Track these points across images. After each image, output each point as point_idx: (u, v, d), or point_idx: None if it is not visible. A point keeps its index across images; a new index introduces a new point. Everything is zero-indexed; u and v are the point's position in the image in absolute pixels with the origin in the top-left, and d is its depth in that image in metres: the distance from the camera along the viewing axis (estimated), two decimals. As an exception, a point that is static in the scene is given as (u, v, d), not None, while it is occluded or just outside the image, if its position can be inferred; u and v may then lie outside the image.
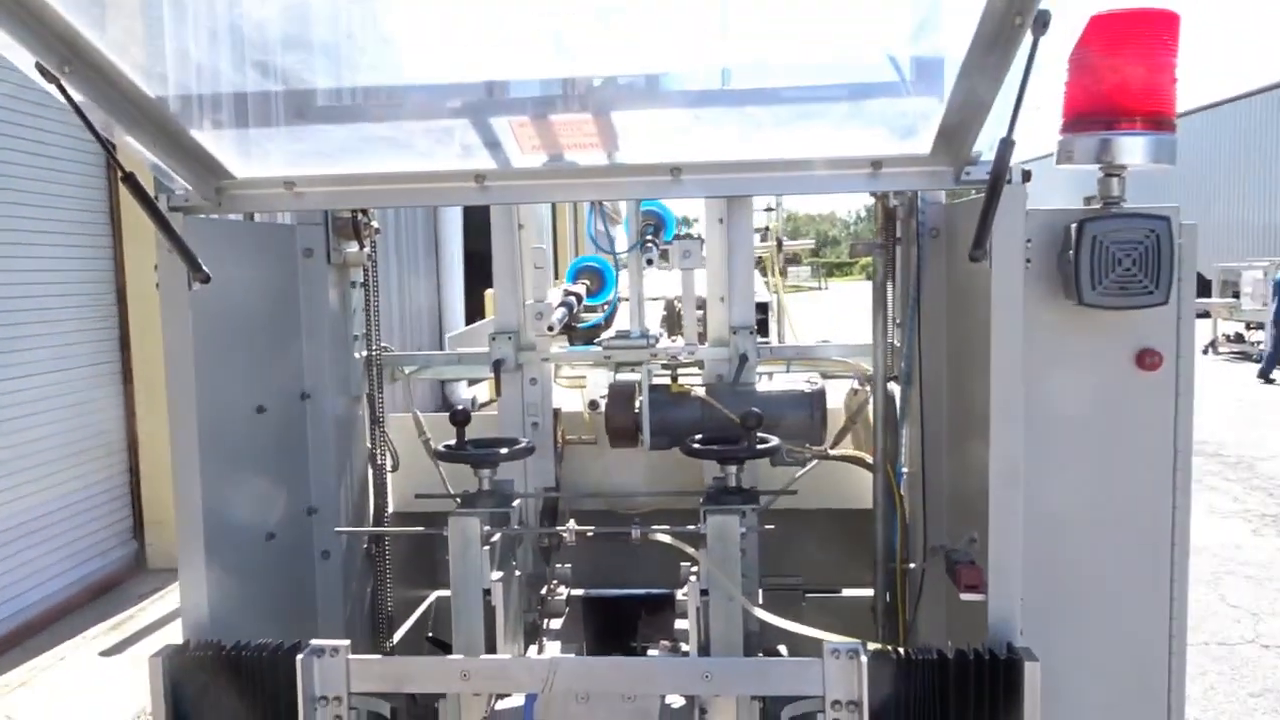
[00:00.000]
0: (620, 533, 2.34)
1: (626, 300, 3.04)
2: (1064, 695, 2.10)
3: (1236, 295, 19.71)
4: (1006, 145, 1.73)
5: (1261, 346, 17.35)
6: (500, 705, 2.25)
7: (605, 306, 3.21)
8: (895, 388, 2.78)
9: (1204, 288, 19.47)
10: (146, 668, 2.06)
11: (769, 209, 9.59)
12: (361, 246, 2.89)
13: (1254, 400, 14.35)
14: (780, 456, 2.76)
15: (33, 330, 6.10)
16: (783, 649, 2.59)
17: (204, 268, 2.02)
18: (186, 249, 2.00)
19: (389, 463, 3.01)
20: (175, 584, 2.24)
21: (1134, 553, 2.18)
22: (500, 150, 2.07)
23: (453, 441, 2.46)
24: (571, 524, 2.42)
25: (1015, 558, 1.98)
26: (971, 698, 1.89)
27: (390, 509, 3.03)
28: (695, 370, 3.03)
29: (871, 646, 1.96)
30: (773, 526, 2.35)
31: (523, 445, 2.52)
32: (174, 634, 2.21)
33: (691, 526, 2.29)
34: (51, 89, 1.75)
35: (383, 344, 3.03)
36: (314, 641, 2.04)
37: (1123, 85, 1.95)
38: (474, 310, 11.54)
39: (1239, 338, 19.57)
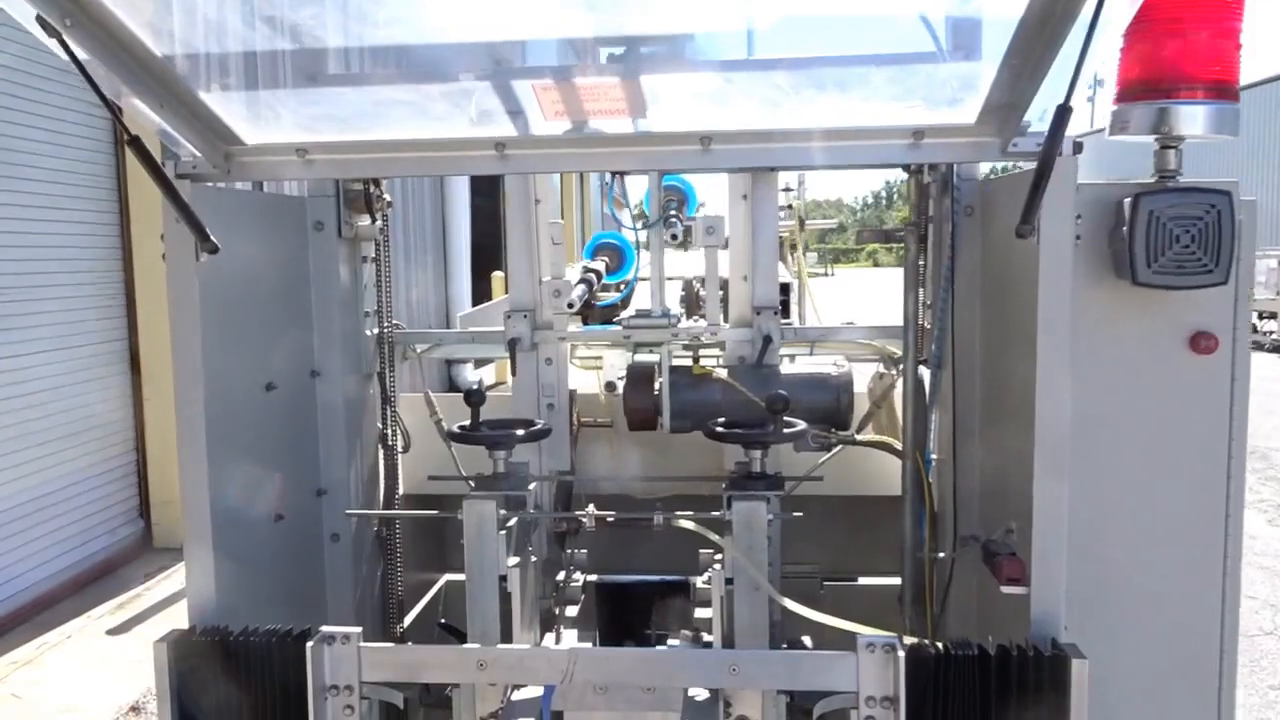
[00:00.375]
0: (642, 519, 2.26)
1: (644, 280, 2.96)
2: (1104, 695, 2.01)
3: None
4: (1064, 112, 1.62)
5: (1274, 336, 17.20)
6: (517, 695, 2.18)
7: (623, 286, 3.11)
8: (924, 372, 2.69)
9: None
10: (152, 650, 1.99)
11: (786, 188, 9.40)
12: (373, 220, 2.81)
13: (1266, 390, 14.22)
14: (805, 442, 2.67)
15: (42, 308, 6.09)
16: (806, 640, 2.52)
17: (212, 238, 1.94)
18: (194, 217, 1.92)
19: (400, 443, 2.94)
20: (181, 563, 2.17)
21: (1184, 547, 2.09)
22: (521, 116, 1.97)
23: (467, 422, 2.38)
24: (591, 509, 2.34)
25: (1060, 550, 1.89)
26: (1014, 696, 1.81)
27: (401, 491, 2.96)
28: (716, 352, 2.94)
29: (908, 640, 1.87)
30: (800, 514, 2.26)
31: (540, 427, 2.44)
32: (180, 614, 2.15)
33: (716, 513, 2.20)
34: (53, 44, 1.66)
35: (395, 321, 2.95)
36: (324, 628, 1.97)
37: (1185, 50, 1.83)
38: (481, 302, 11.47)
39: (1251, 328, 19.39)
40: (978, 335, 2.53)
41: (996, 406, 2.42)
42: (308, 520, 2.67)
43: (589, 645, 2.49)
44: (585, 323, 3.18)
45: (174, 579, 6.41)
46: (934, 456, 2.71)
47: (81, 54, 1.71)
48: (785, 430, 2.32)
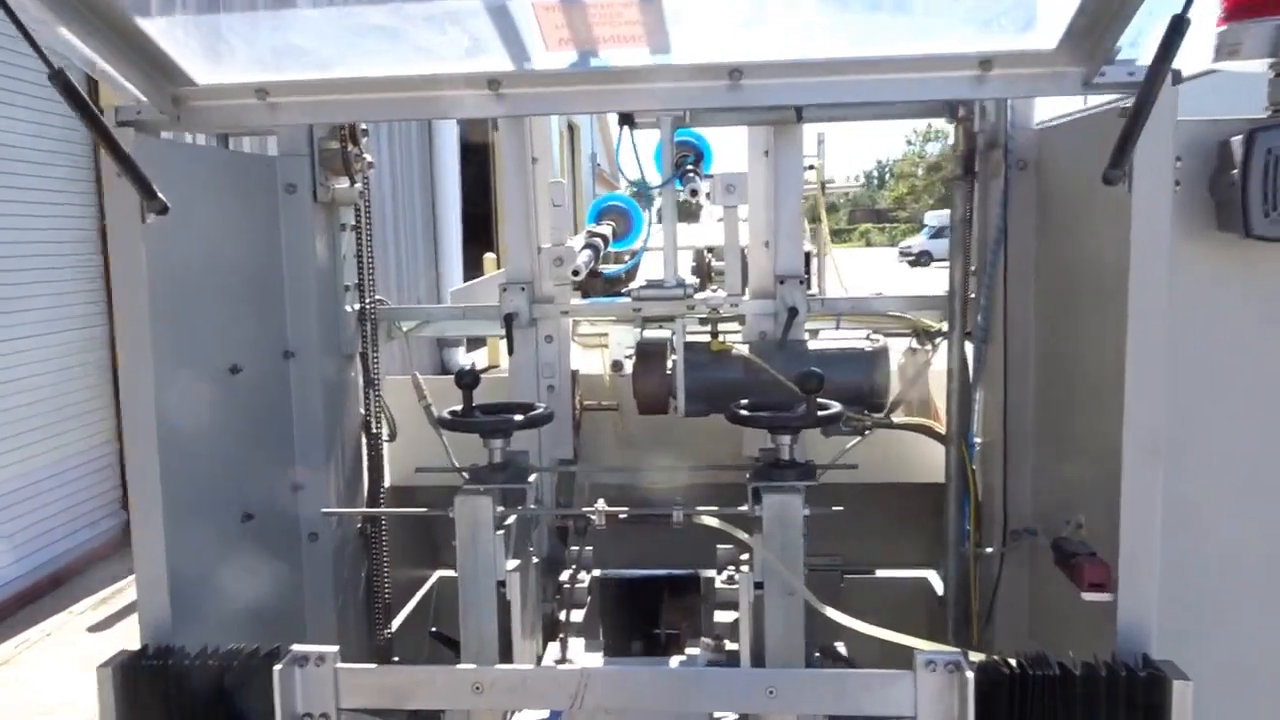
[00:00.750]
0: (659, 515, 2.00)
1: (652, 251, 2.70)
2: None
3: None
4: (1180, 24, 1.34)
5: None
6: (518, 718, 1.92)
7: (630, 255, 2.84)
8: (969, 346, 2.44)
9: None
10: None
11: (820, 140, 9.00)
12: (353, 183, 2.56)
13: None
14: (837, 425, 2.40)
15: (20, 293, 5.98)
16: (841, 646, 2.26)
17: (160, 195, 1.67)
18: (137, 170, 1.65)
19: (385, 431, 2.72)
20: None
21: None
22: (520, 46, 1.68)
23: (458, 407, 2.12)
24: (601, 503, 2.07)
25: (1153, 552, 1.63)
26: (1104, 723, 1.54)
27: (387, 484, 2.74)
28: (734, 326, 2.68)
29: (974, 657, 1.61)
30: (841, 508, 1.99)
31: (540, 411, 2.18)
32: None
33: (743, 508, 1.94)
34: None
35: (377, 296, 2.68)
36: (295, 647, 1.71)
37: (1314, -43, 1.55)
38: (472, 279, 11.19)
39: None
40: (1031, 306, 2.29)
41: (1056, 385, 2.18)
42: (282, 519, 2.45)
43: (601, 663, 2.23)
44: (587, 296, 2.92)
45: (158, 573, 6.22)
46: (978, 440, 2.47)
47: None
48: (820, 413, 2.04)
